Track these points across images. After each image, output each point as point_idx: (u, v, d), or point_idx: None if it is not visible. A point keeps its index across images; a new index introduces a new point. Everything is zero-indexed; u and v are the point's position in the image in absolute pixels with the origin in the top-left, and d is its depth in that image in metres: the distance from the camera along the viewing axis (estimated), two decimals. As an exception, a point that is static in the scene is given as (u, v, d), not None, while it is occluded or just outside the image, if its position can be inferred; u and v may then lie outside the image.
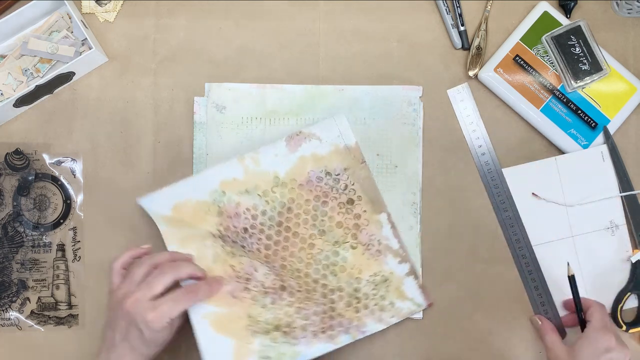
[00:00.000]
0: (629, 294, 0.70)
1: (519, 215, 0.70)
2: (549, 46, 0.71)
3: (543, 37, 0.72)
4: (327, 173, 0.70)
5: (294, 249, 0.70)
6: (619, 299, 0.70)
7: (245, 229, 0.69)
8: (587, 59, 0.70)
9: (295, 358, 0.66)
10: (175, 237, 0.66)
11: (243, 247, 0.68)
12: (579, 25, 0.71)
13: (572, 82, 0.71)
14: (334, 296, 0.69)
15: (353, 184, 0.70)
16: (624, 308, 0.71)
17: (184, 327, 0.63)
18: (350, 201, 0.71)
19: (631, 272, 0.71)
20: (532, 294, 0.71)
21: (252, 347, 0.65)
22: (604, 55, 0.71)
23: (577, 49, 0.71)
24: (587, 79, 0.70)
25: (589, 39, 0.71)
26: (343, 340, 0.67)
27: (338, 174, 0.71)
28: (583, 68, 0.70)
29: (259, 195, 0.70)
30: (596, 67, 0.70)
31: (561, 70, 0.71)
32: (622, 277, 0.71)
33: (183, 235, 0.67)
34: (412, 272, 0.70)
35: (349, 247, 0.70)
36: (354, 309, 0.69)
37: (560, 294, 0.71)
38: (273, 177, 0.70)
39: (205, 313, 0.64)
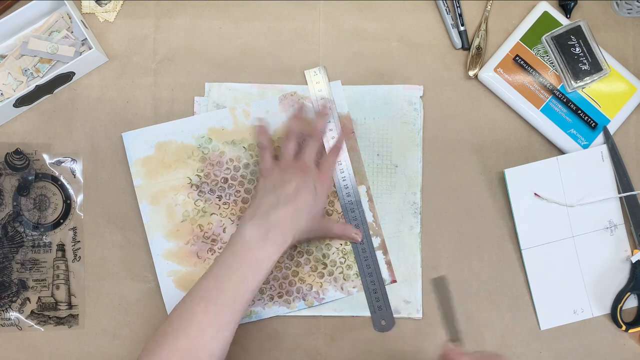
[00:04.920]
0: (628, 294, 0.70)
1: (365, 218, 0.71)
2: (549, 46, 0.71)
3: (543, 37, 0.72)
4: None
5: None
6: (619, 298, 0.70)
7: (226, 179, 0.71)
8: (587, 59, 0.70)
9: (251, 316, 0.70)
10: (148, 193, 0.70)
11: (219, 197, 0.70)
12: (579, 25, 0.71)
13: (572, 82, 0.71)
14: (301, 259, 0.71)
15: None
16: (623, 308, 0.71)
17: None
18: None
19: (631, 272, 0.71)
20: (371, 298, 0.71)
21: None
22: (604, 55, 0.71)
23: (577, 49, 0.71)
24: (587, 79, 0.70)
25: (589, 39, 0.71)
26: (298, 306, 0.71)
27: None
28: (583, 68, 0.70)
29: (244, 147, 0.71)
30: (596, 67, 0.70)
31: (561, 70, 0.71)
32: (621, 276, 0.71)
33: (156, 190, 0.70)
34: (382, 247, 0.71)
35: (325, 213, 0.71)
36: (319, 274, 0.71)
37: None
38: None
39: (170, 270, 0.70)
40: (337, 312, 0.71)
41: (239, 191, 0.71)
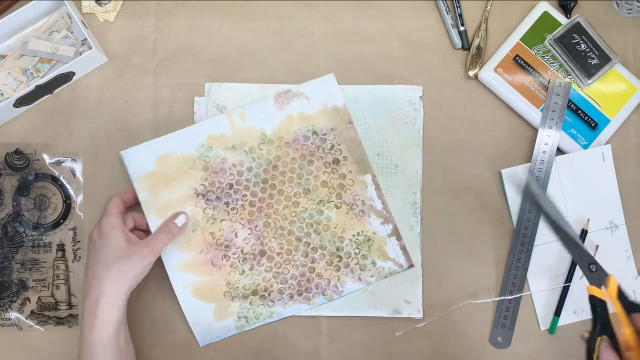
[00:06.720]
0: (599, 339, 0.54)
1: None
2: (554, 49, 0.71)
3: (546, 41, 0.72)
4: (314, 132, 0.71)
5: (279, 206, 0.71)
6: (591, 349, 0.54)
7: (231, 185, 0.70)
8: (594, 52, 0.70)
9: (272, 316, 0.70)
10: (154, 207, 0.69)
11: (227, 203, 0.70)
12: (578, 22, 0.71)
13: (586, 79, 0.70)
14: (315, 255, 0.70)
15: (339, 144, 0.71)
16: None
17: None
18: (336, 161, 0.71)
19: (592, 312, 0.56)
20: (500, 311, 0.70)
21: (230, 309, 0.70)
22: (608, 45, 0.71)
23: (582, 45, 0.71)
24: (600, 72, 0.70)
25: (591, 33, 0.71)
26: (319, 301, 0.70)
27: (325, 134, 0.71)
28: (593, 62, 0.70)
29: (245, 151, 0.71)
30: (605, 58, 0.70)
31: (572, 70, 0.71)
32: (621, 277, 0.71)
33: (163, 203, 0.69)
34: (395, 233, 0.71)
35: (333, 206, 0.71)
36: (335, 267, 0.70)
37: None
38: (260, 134, 0.71)
39: (186, 282, 0.69)
40: (337, 312, 0.71)
41: (246, 195, 0.71)
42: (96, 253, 0.63)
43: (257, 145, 0.71)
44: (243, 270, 0.70)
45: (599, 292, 0.55)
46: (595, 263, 0.57)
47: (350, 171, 0.71)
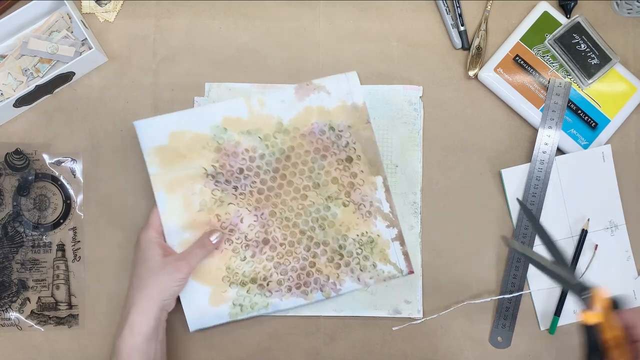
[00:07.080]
0: None
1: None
2: (554, 49, 0.71)
3: (546, 41, 0.72)
4: (331, 128, 0.71)
5: (287, 197, 0.71)
6: None
7: (241, 170, 0.70)
8: (594, 52, 0.70)
9: (268, 308, 0.70)
10: (164, 183, 0.68)
11: (235, 188, 0.70)
12: (578, 22, 0.71)
13: (586, 79, 0.70)
14: (317, 250, 0.70)
15: (354, 143, 0.71)
16: None
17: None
18: (349, 159, 0.71)
19: (586, 338, 0.53)
20: (501, 311, 0.71)
21: (226, 295, 0.69)
22: (608, 45, 0.71)
23: (582, 45, 0.71)
24: (600, 72, 0.70)
25: (591, 33, 0.71)
26: (316, 297, 0.70)
27: (341, 131, 0.71)
28: (593, 62, 0.70)
29: (260, 137, 0.70)
30: (605, 58, 0.70)
31: (572, 70, 0.71)
32: (621, 277, 0.71)
33: (172, 179, 0.69)
34: (399, 238, 0.71)
35: (340, 203, 0.71)
36: (336, 265, 0.70)
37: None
38: (277, 122, 0.71)
39: None
40: (337, 312, 0.71)
41: (255, 182, 0.70)
42: (135, 265, 0.65)
43: (273, 133, 0.71)
44: (245, 257, 0.70)
45: (594, 317, 0.52)
46: (588, 288, 0.54)
47: (362, 171, 0.71)
